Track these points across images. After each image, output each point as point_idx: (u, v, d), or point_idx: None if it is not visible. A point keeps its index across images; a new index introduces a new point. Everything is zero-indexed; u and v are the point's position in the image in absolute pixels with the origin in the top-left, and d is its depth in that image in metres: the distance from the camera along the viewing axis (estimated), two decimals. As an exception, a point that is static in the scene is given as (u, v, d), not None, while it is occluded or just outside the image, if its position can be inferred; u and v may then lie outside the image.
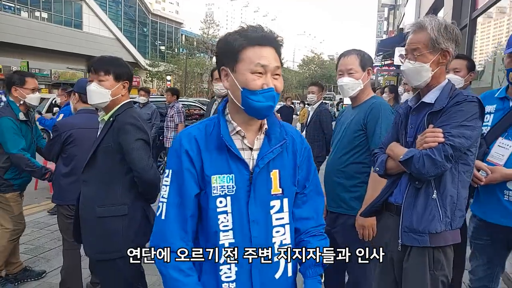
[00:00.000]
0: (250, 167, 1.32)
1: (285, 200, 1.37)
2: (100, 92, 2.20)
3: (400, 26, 18.59)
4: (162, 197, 1.33)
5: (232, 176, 1.30)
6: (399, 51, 12.31)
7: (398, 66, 13.00)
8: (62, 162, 3.02)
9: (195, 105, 10.29)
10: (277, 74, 1.29)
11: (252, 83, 1.26)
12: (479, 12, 5.88)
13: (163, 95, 22.09)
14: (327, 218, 2.46)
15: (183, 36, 51.44)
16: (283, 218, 1.36)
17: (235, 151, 1.30)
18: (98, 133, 2.28)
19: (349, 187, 2.43)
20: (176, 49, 46.92)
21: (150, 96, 7.69)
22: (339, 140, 2.53)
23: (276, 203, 1.35)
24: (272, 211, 1.34)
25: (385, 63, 20.27)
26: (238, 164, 1.31)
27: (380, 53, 18.22)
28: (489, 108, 2.38)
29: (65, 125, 3.00)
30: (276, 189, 1.35)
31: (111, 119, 2.20)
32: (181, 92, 40.22)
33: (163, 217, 1.31)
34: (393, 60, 15.16)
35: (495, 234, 2.29)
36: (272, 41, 1.30)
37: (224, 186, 1.29)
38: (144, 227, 2.23)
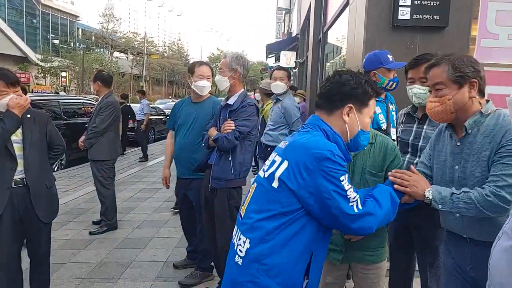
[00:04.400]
0: None
1: None
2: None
3: (290, 31, 20.44)
4: (354, 198, 1.45)
5: None
6: (284, 54, 13.92)
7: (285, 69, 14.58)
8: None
9: (89, 103, 10.45)
10: None
11: (368, 127, 1.64)
12: (327, 27, 7.34)
13: (57, 93, 20.94)
14: (179, 185, 3.40)
15: (80, 30, 48.82)
16: None
17: None
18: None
19: (198, 159, 3.20)
20: (72, 44, 44.43)
21: (38, 94, 7.53)
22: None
23: None
24: None
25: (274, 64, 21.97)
26: None
27: (272, 55, 19.86)
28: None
29: None
30: None
31: (28, 116, 2.70)
32: (78, 89, 37.24)
33: (360, 207, 1.46)
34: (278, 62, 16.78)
35: None
36: None
37: None
38: None
